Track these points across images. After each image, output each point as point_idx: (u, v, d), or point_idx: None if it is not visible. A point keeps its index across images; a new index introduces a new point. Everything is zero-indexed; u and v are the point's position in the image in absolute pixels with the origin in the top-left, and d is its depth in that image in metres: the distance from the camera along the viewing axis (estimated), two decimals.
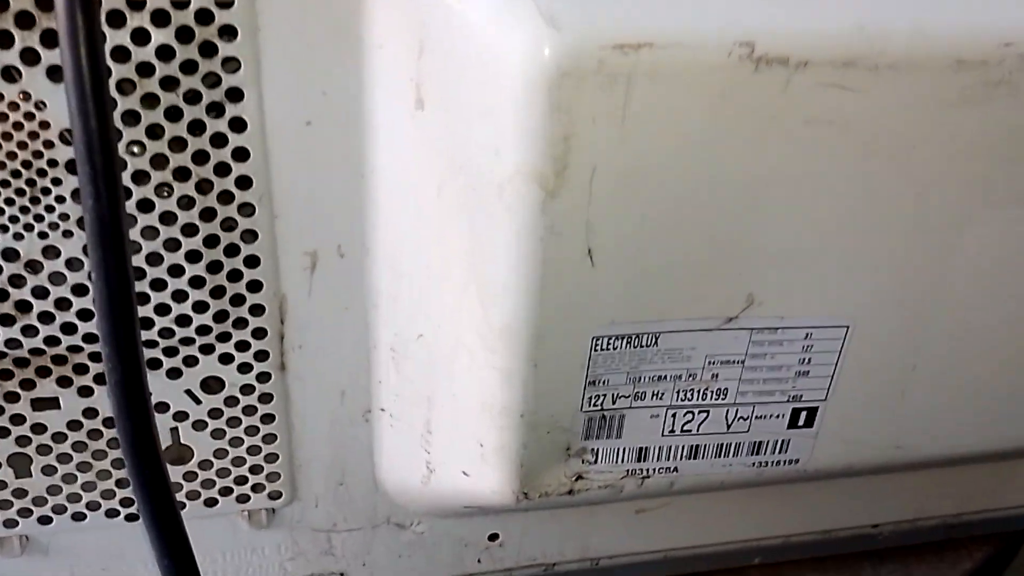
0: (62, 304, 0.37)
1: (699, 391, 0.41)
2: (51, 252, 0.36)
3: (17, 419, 0.40)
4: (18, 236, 0.35)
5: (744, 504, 0.51)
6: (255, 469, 0.44)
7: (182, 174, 0.35)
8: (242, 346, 0.40)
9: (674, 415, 0.41)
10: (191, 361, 0.40)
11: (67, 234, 0.36)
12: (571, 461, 0.42)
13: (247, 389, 0.41)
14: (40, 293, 0.37)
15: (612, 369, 0.39)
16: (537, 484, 0.41)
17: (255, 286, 0.39)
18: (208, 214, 0.37)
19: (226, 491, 0.44)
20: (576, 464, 0.42)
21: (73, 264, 0.36)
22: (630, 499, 0.46)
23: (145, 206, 0.36)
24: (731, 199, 0.35)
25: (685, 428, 0.42)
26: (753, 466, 0.43)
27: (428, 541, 0.49)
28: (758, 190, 0.35)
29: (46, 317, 0.37)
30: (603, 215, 0.34)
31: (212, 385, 0.41)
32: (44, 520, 0.43)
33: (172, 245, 0.37)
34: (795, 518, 0.53)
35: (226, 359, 0.40)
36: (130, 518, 0.44)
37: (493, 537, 0.50)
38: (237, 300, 0.39)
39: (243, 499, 0.44)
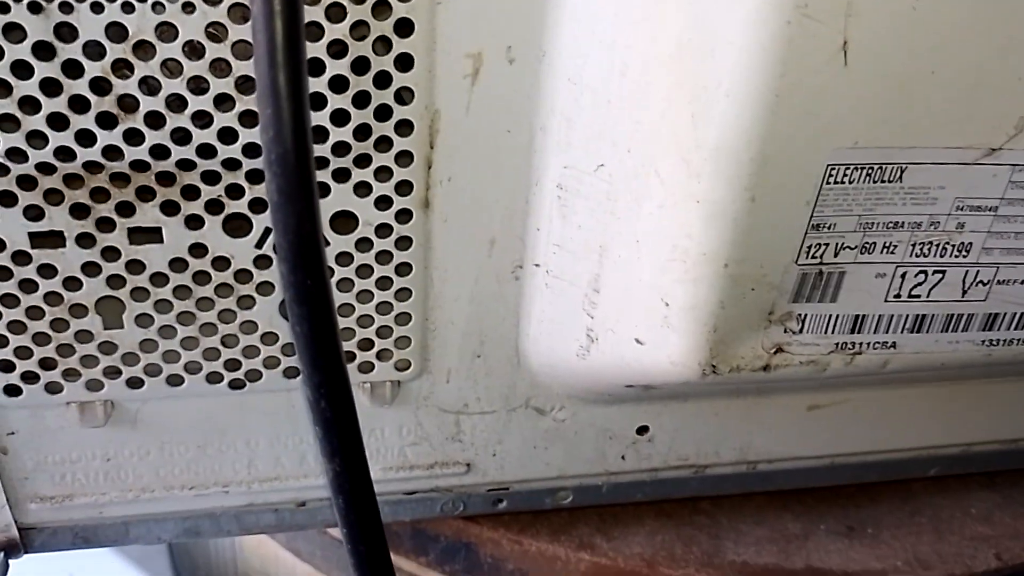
0: (175, 104, 0.30)
1: (939, 245, 0.33)
2: (167, 31, 0.29)
3: (110, 253, 0.33)
4: (127, 7, 0.28)
5: (930, 404, 0.44)
6: (383, 332, 0.37)
7: None
8: (383, 174, 0.33)
9: (903, 275, 0.34)
10: (323, 190, 0.33)
11: (188, 7, 0.29)
12: (772, 329, 0.34)
13: (383, 230, 0.34)
14: (150, 88, 0.30)
15: (843, 210, 0.32)
16: (729, 355, 0.34)
17: (405, 96, 0.32)
18: None
19: (348, 356, 0.37)
20: (777, 333, 0.35)
21: (193, 50, 0.29)
22: (829, 383, 0.39)
23: None
24: None
25: (913, 292, 0.34)
26: (983, 344, 0.36)
27: (569, 431, 0.42)
28: None
29: (154, 120, 0.30)
30: None
31: (344, 223, 0.34)
32: (134, 383, 0.36)
33: (311, 33, 0.30)
34: (981, 423, 0.46)
35: (363, 190, 0.33)
36: (235, 384, 0.37)
37: (642, 430, 0.43)
38: (382, 113, 0.32)
39: (366, 368, 0.38)
